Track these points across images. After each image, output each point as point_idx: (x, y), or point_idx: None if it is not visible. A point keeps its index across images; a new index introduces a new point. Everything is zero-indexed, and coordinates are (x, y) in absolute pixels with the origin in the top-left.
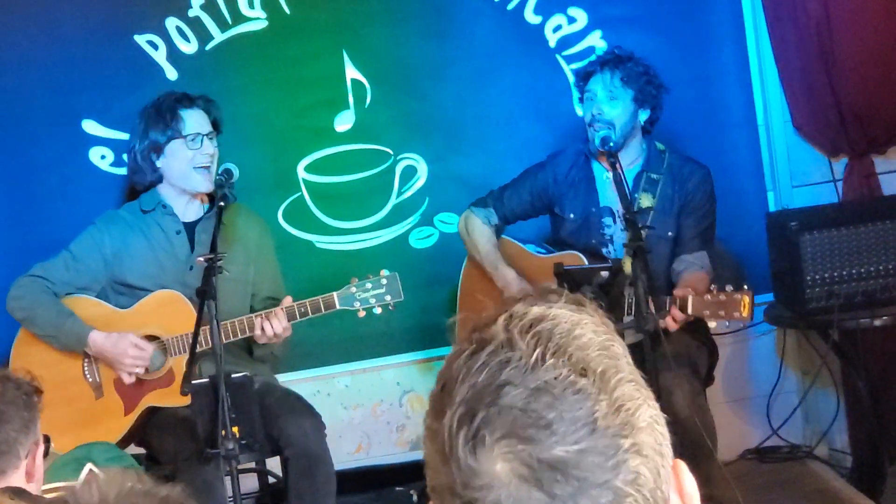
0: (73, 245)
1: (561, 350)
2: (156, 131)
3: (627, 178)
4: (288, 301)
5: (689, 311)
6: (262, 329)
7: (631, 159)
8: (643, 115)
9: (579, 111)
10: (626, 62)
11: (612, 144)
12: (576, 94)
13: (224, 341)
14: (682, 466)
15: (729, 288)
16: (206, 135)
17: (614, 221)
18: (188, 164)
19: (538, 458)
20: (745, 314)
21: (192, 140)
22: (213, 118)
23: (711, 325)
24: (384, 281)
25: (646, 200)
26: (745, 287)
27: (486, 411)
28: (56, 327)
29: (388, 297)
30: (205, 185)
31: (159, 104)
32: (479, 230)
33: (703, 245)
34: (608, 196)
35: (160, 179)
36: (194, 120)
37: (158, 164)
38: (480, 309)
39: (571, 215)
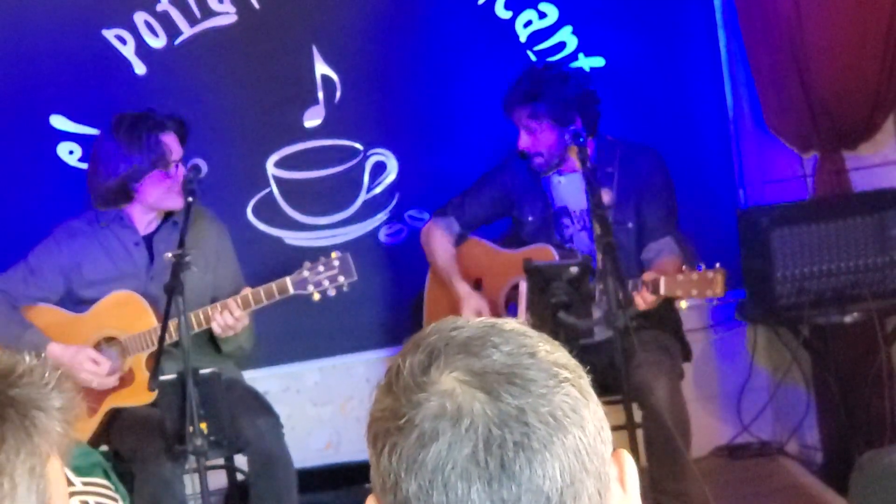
0: (31, 257)
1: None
2: (138, 157)
3: (580, 179)
4: (245, 292)
5: (662, 291)
6: (217, 320)
7: (576, 161)
8: (573, 128)
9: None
10: (534, 94)
11: (544, 169)
12: None
13: (176, 338)
14: (627, 457)
15: (702, 266)
16: (180, 160)
17: (573, 222)
18: (166, 190)
19: (483, 368)
20: (717, 292)
21: (176, 167)
22: (181, 136)
23: (683, 304)
24: (336, 262)
25: (604, 195)
26: (717, 265)
27: (442, 347)
28: (15, 339)
29: (341, 278)
30: (179, 203)
31: (136, 128)
32: (438, 241)
33: (667, 230)
34: (562, 198)
35: (130, 202)
36: (174, 146)
37: (134, 189)
38: (446, 307)
39: (530, 218)
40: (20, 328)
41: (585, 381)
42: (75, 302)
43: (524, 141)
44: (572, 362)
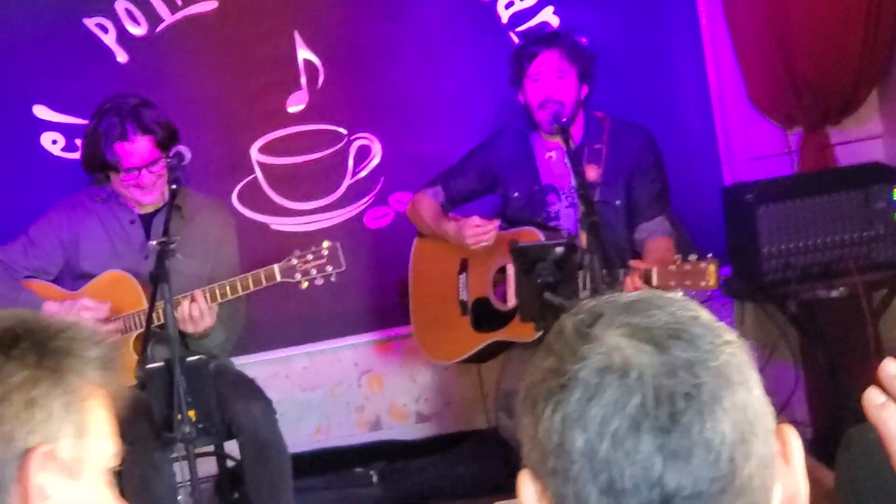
0: (32, 229)
1: None
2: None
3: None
4: (213, 285)
5: (654, 282)
6: (182, 309)
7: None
8: (584, 91)
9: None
10: (566, 39)
11: (564, 120)
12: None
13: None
14: (791, 432)
15: (693, 257)
16: (147, 166)
17: (559, 199)
18: (127, 188)
19: (648, 325)
20: (711, 283)
21: (128, 172)
22: (161, 139)
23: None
24: (325, 252)
25: (592, 172)
26: (710, 255)
27: (604, 308)
28: (11, 302)
29: (329, 268)
30: (147, 199)
31: (98, 137)
32: (423, 203)
33: (660, 209)
34: (550, 174)
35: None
36: (134, 154)
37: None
38: (431, 288)
39: (516, 194)
40: (16, 292)
41: (746, 350)
42: (75, 275)
43: (550, 86)
44: (734, 332)
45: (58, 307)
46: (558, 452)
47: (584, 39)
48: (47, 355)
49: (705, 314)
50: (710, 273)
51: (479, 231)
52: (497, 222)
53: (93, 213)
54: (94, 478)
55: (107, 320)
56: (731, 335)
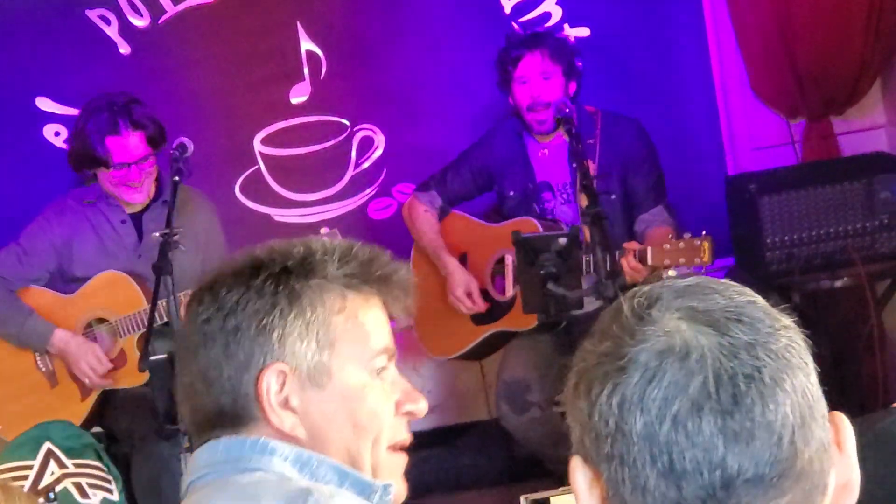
0: (22, 238)
1: None
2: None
3: (563, 150)
4: None
5: (650, 261)
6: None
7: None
8: (572, 88)
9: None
10: (549, 39)
11: (567, 111)
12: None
13: (166, 318)
14: (844, 419)
15: (687, 235)
16: (138, 162)
17: (553, 196)
18: (114, 185)
19: (707, 308)
20: (706, 259)
21: (118, 168)
22: (152, 135)
23: (671, 273)
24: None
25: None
26: (704, 233)
27: (661, 292)
28: (18, 326)
29: None
30: (135, 198)
31: (88, 132)
32: (422, 218)
33: (657, 199)
34: (544, 171)
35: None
36: (125, 150)
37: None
38: (431, 285)
39: (511, 192)
40: (22, 315)
41: (802, 335)
42: (67, 280)
43: (537, 88)
44: (791, 319)
45: (68, 339)
46: (615, 436)
47: (566, 36)
48: (285, 282)
49: (761, 299)
50: (705, 249)
51: (465, 303)
52: (484, 306)
53: (81, 216)
54: (346, 385)
55: (108, 373)
56: (787, 320)
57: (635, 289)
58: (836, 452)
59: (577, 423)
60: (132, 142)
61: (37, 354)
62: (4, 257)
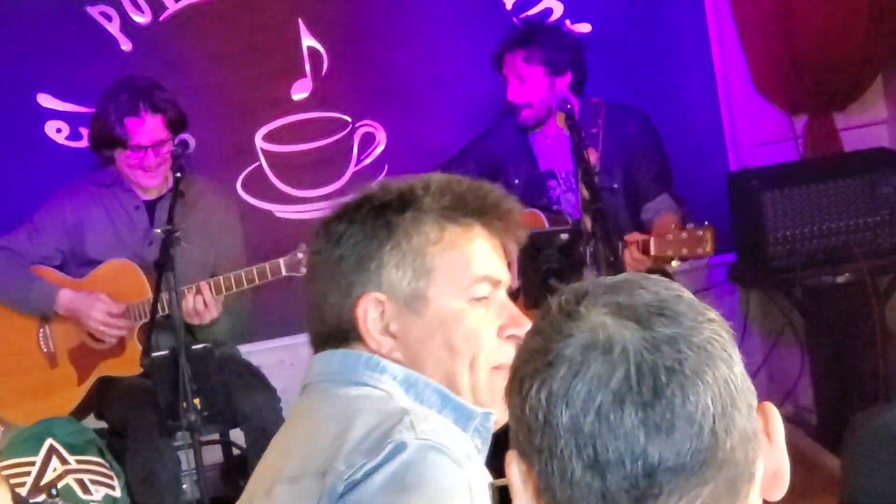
0: (36, 216)
1: None
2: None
3: (566, 139)
4: (218, 277)
5: (652, 251)
6: (187, 302)
7: (562, 127)
8: (564, 81)
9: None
10: (528, 37)
11: (569, 106)
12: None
13: (168, 311)
14: (773, 409)
15: (690, 225)
16: (154, 145)
17: (559, 183)
18: (131, 168)
19: (632, 303)
20: (708, 249)
21: (134, 150)
22: (171, 120)
23: (674, 264)
24: None
25: (590, 157)
26: (706, 223)
27: (589, 288)
28: (25, 289)
29: None
30: (150, 182)
31: (108, 112)
32: None
33: (662, 188)
34: (548, 160)
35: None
36: (147, 131)
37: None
38: None
39: (516, 181)
40: (28, 281)
41: (728, 328)
42: (80, 262)
43: (514, 90)
44: (717, 312)
45: (72, 296)
46: (544, 429)
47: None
48: (383, 216)
49: (688, 294)
50: (708, 239)
51: None
52: None
53: (96, 199)
54: (442, 311)
55: (120, 315)
56: (713, 314)
57: (566, 287)
58: (765, 442)
59: (513, 418)
60: (151, 124)
61: (40, 333)
62: (16, 234)
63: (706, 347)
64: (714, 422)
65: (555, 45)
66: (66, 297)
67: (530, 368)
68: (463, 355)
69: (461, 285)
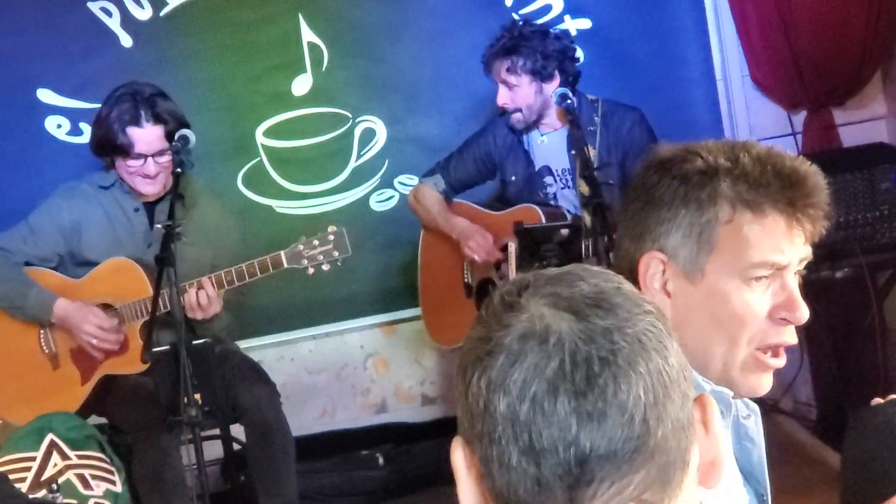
0: (31, 217)
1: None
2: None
3: (561, 138)
4: (219, 272)
5: None
6: (189, 297)
7: (561, 122)
8: (552, 84)
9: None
10: (513, 49)
11: (569, 101)
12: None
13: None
14: (711, 400)
15: None
16: (154, 155)
17: (555, 181)
18: (129, 175)
19: (571, 295)
20: None
21: (135, 159)
22: (171, 131)
23: None
24: (331, 237)
25: (588, 152)
26: None
27: (531, 280)
28: (21, 297)
29: (335, 254)
30: (148, 190)
31: (111, 119)
32: (427, 194)
33: None
34: (544, 157)
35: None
36: (147, 140)
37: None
38: (438, 276)
39: (513, 178)
40: (25, 286)
41: (667, 322)
42: (77, 263)
43: (502, 97)
44: (656, 304)
45: (66, 307)
46: (484, 416)
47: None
48: (687, 184)
49: (629, 286)
50: None
51: (479, 253)
52: (499, 255)
53: (94, 201)
54: (715, 286)
55: (112, 329)
56: (650, 306)
57: (509, 278)
58: (701, 431)
59: (460, 406)
60: (151, 134)
61: (41, 335)
62: (11, 234)
63: (640, 339)
64: (646, 411)
65: (540, 54)
66: (61, 309)
67: (472, 357)
68: (725, 331)
69: (738, 267)
